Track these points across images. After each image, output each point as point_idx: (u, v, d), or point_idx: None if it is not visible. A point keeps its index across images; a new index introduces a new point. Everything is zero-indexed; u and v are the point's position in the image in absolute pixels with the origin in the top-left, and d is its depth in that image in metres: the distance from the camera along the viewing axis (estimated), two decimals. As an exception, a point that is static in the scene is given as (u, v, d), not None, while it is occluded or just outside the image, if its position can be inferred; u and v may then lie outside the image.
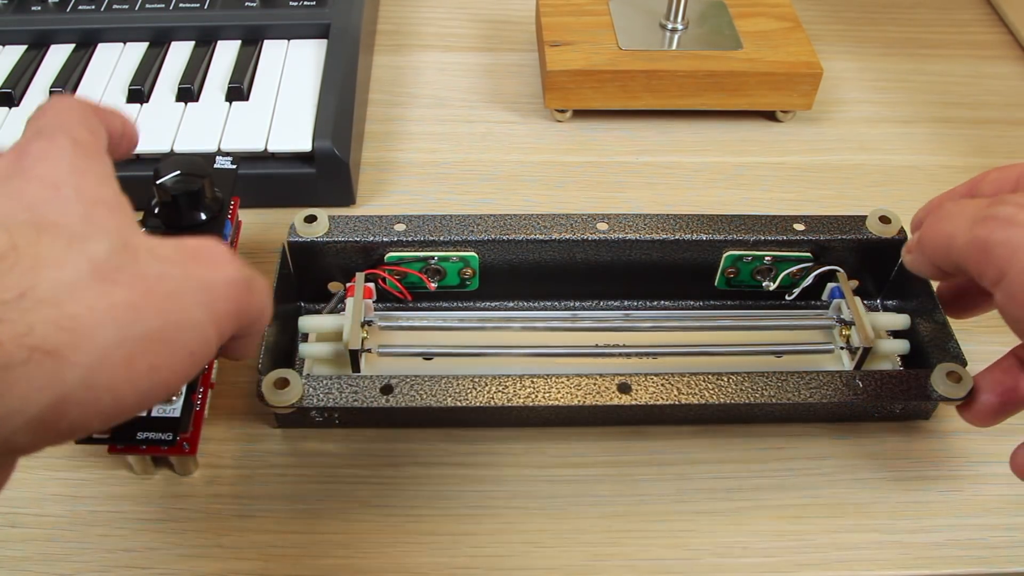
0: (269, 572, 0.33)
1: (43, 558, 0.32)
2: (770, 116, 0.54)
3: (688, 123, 0.53)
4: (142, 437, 0.31)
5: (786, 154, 0.52)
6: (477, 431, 0.37)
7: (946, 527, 0.35)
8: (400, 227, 0.37)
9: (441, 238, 0.37)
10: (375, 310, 0.39)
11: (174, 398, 0.32)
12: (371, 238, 0.37)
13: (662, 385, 0.34)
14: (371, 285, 0.38)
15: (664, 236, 0.38)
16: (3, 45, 0.51)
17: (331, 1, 0.53)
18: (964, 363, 0.34)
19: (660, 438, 0.37)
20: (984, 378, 0.32)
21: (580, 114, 0.53)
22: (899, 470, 0.37)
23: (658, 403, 0.33)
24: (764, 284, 0.40)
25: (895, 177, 0.51)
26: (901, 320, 0.39)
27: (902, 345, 0.38)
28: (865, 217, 0.39)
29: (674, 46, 0.53)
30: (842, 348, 0.38)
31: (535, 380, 0.34)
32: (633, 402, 0.33)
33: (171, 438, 0.32)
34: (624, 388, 0.33)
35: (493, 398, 0.33)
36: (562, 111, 0.53)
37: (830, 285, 0.40)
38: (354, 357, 0.36)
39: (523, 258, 0.39)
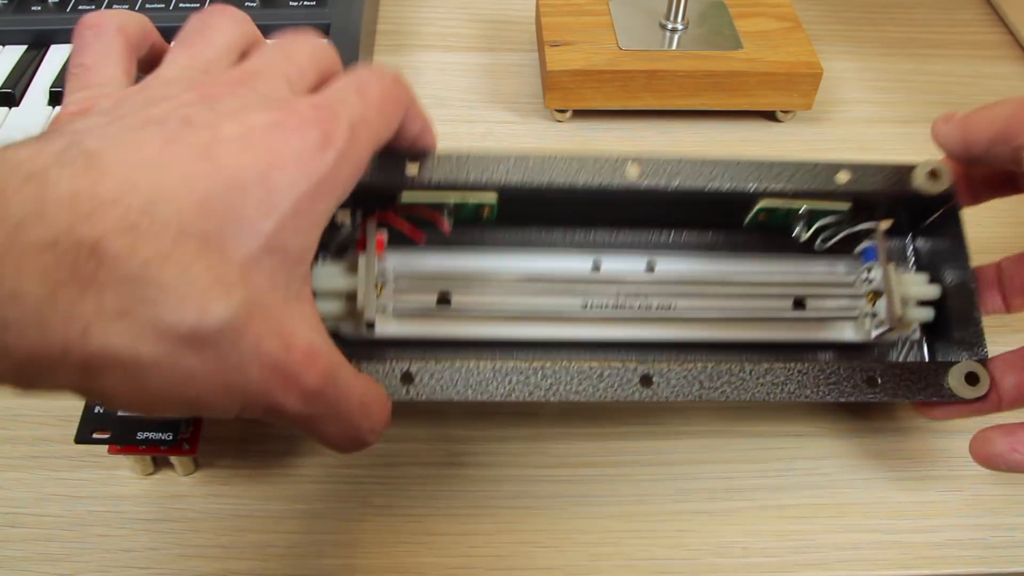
0: (268, 572, 0.33)
1: (43, 558, 0.32)
2: (770, 116, 0.54)
3: (688, 123, 0.53)
4: (142, 437, 0.31)
5: (786, 154, 0.52)
6: (477, 431, 0.37)
7: (946, 527, 0.35)
8: (413, 169, 0.34)
9: (459, 179, 0.34)
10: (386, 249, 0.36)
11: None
12: (380, 180, 0.33)
13: (684, 378, 0.33)
14: (383, 234, 0.35)
15: (698, 185, 0.35)
16: (3, 45, 0.51)
17: (331, 1, 0.53)
18: (984, 348, 0.34)
19: (660, 438, 0.37)
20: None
21: (580, 114, 0.53)
22: (899, 470, 0.37)
23: (679, 399, 0.33)
24: (795, 232, 0.37)
25: (895, 177, 0.51)
26: (932, 292, 0.36)
27: (926, 314, 0.36)
28: (913, 167, 0.35)
29: (674, 46, 0.53)
30: (866, 315, 0.37)
31: (556, 369, 0.33)
32: (654, 397, 0.33)
33: (171, 438, 0.32)
34: (646, 381, 0.33)
35: (514, 390, 0.32)
36: (562, 111, 0.53)
37: (866, 243, 0.37)
38: (369, 325, 0.34)
39: (547, 201, 0.36)
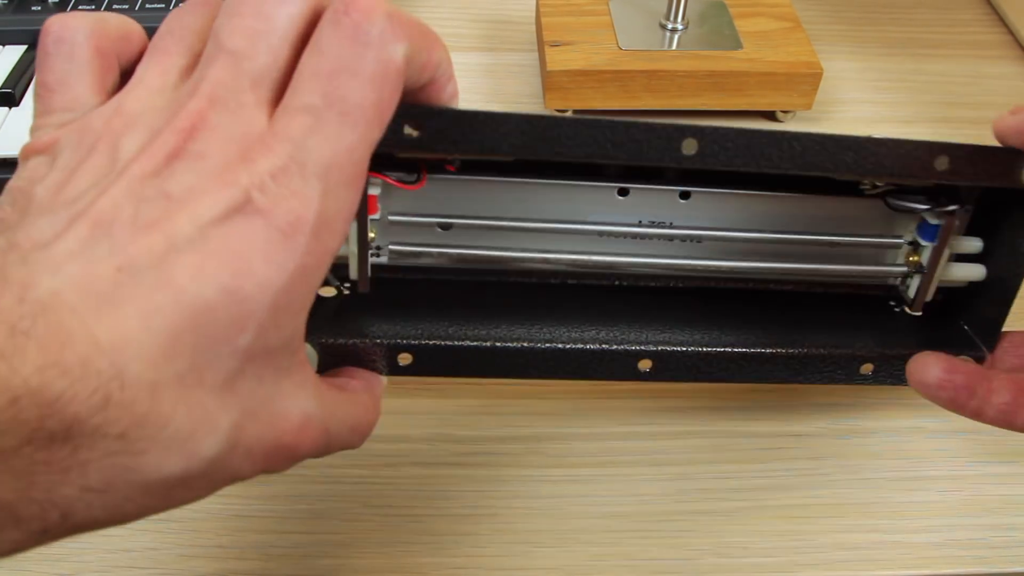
0: (269, 572, 0.33)
1: (43, 558, 0.32)
2: (770, 116, 0.54)
3: (688, 123, 0.53)
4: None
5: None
6: (477, 431, 0.37)
7: (946, 527, 0.35)
8: (412, 131, 0.27)
9: (470, 145, 0.28)
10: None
11: None
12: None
13: (682, 362, 0.32)
14: (376, 190, 0.30)
15: (771, 170, 0.30)
16: (3, 45, 0.51)
17: None
18: (982, 351, 0.33)
19: (660, 438, 0.37)
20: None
21: (580, 114, 0.53)
22: (899, 470, 0.37)
23: (676, 380, 0.32)
24: (862, 186, 0.35)
25: (895, 177, 0.51)
26: (976, 272, 0.34)
27: (973, 271, 0.34)
28: (1018, 155, 0.30)
29: (674, 46, 0.53)
30: (899, 276, 0.35)
31: (554, 351, 0.32)
32: (651, 379, 0.32)
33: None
34: (644, 364, 0.32)
35: (511, 370, 0.32)
36: (562, 111, 0.53)
37: (932, 220, 0.33)
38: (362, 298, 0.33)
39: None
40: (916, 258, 0.35)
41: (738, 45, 0.52)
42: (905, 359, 0.32)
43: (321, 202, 0.20)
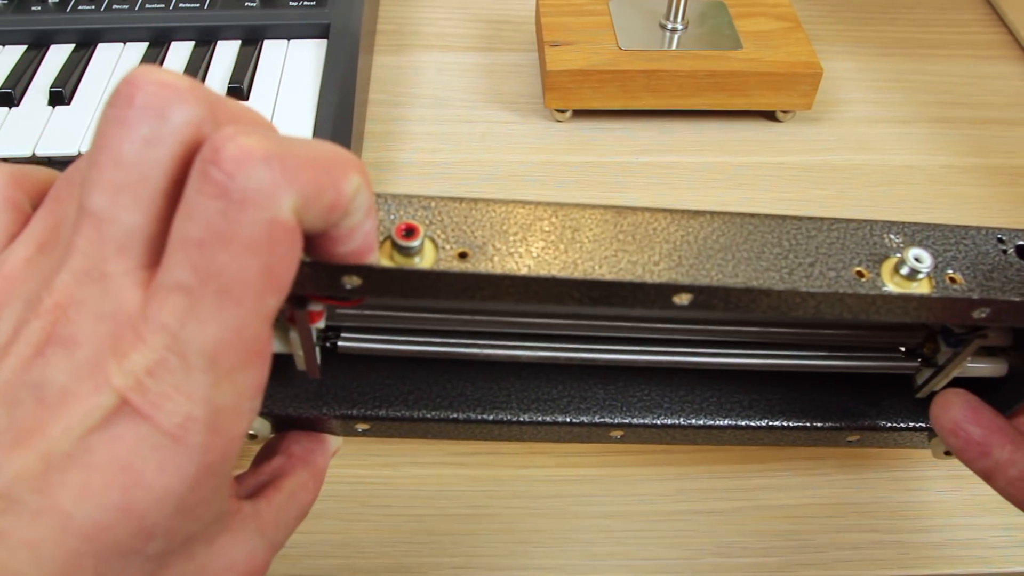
0: (269, 572, 0.33)
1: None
2: (770, 116, 0.54)
3: (688, 123, 0.53)
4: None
5: (786, 154, 0.52)
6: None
7: (946, 527, 0.35)
8: (352, 281, 0.22)
9: (413, 301, 0.27)
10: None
11: None
12: (312, 292, 0.23)
13: (655, 433, 0.32)
14: (317, 308, 0.26)
15: (770, 315, 0.27)
16: (3, 45, 0.51)
17: (331, 1, 0.53)
18: None
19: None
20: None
21: (580, 114, 0.53)
22: (899, 470, 0.37)
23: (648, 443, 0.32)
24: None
25: (895, 177, 0.51)
26: (997, 369, 0.31)
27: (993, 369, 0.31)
28: None
29: (674, 46, 0.53)
30: (916, 366, 0.32)
31: (520, 429, 0.32)
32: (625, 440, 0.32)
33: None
34: (616, 440, 0.32)
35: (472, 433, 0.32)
36: (562, 111, 0.53)
37: (957, 330, 0.30)
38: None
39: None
40: (931, 347, 0.32)
41: (738, 45, 0.52)
42: (891, 431, 0.32)
43: (211, 393, 0.18)
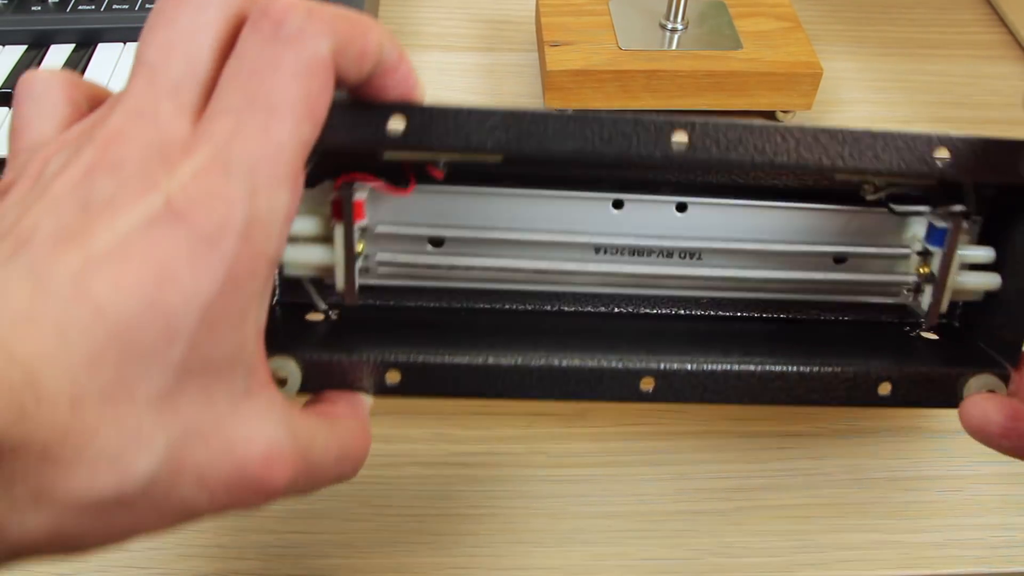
0: (269, 572, 0.33)
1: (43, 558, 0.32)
2: (770, 116, 0.54)
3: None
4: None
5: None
6: (477, 431, 0.37)
7: (946, 527, 0.35)
8: (398, 125, 0.26)
9: (456, 141, 0.27)
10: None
11: None
12: (354, 139, 0.26)
13: (688, 381, 0.31)
14: (363, 196, 0.29)
15: (766, 167, 0.30)
16: (3, 45, 0.51)
17: (332, 2, 0.53)
18: (1005, 368, 0.31)
19: (660, 438, 0.37)
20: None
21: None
22: (899, 470, 0.37)
23: (680, 401, 0.31)
24: (863, 190, 0.33)
25: (895, 177, 0.51)
26: (991, 281, 0.32)
27: (988, 281, 0.32)
28: (1019, 146, 0.29)
29: (674, 46, 0.53)
30: (910, 288, 0.34)
31: (551, 370, 0.30)
32: (655, 399, 0.31)
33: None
34: (647, 384, 0.31)
35: (505, 390, 0.30)
36: (561, 112, 0.53)
37: (939, 224, 0.32)
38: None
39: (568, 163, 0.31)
40: (927, 269, 0.33)
41: (738, 45, 0.52)
42: (924, 377, 0.31)
43: (249, 203, 0.19)
